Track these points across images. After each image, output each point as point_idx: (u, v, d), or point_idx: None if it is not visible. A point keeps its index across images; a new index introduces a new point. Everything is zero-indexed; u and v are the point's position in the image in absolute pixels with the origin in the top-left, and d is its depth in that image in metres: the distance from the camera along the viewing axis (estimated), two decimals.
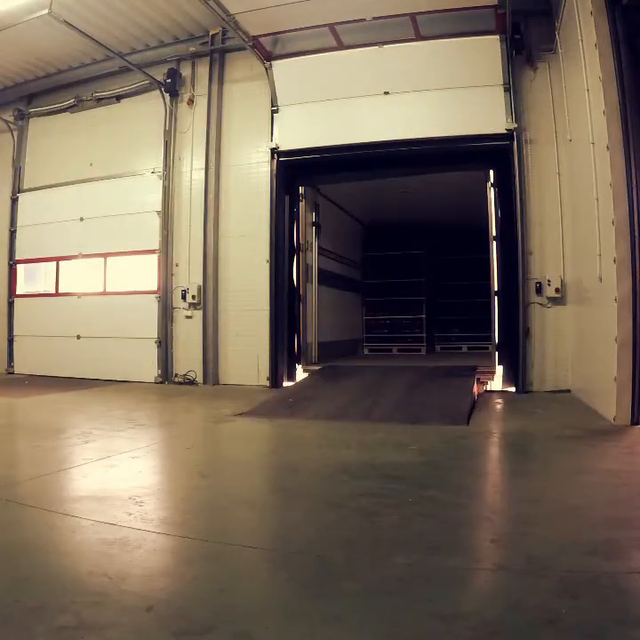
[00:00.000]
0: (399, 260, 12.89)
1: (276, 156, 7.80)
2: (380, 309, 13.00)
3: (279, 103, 7.73)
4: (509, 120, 6.87)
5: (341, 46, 7.20)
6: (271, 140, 7.81)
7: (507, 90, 6.89)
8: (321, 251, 9.68)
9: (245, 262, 7.91)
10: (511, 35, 6.66)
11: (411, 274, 12.83)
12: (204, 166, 8.11)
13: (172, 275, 8.26)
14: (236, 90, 8.17)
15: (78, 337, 8.82)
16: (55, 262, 9.26)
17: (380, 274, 12.93)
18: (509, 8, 6.23)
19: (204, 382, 7.93)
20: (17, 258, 9.61)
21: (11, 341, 9.50)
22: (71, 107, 9.14)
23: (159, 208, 8.34)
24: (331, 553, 2.19)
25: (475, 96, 6.95)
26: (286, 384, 7.77)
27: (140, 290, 8.48)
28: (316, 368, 8.20)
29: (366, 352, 12.81)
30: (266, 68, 7.58)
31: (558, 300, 6.75)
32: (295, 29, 6.99)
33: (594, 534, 2.32)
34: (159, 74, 8.35)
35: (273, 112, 7.79)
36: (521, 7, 6.57)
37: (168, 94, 8.32)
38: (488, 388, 7.10)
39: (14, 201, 9.62)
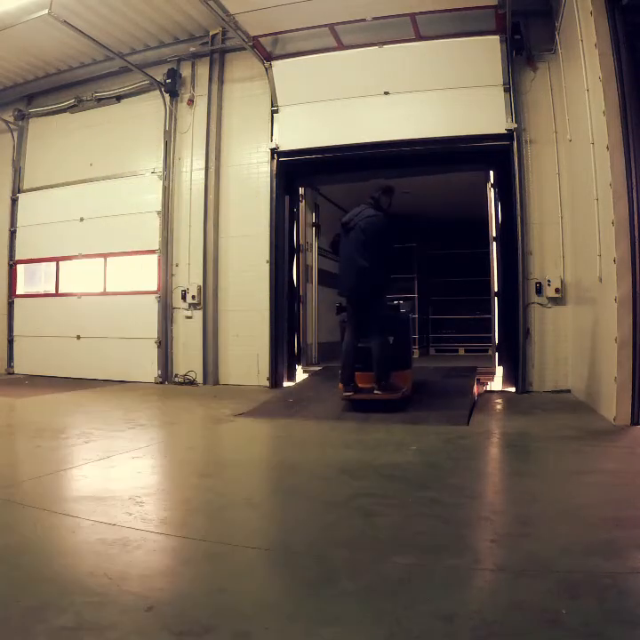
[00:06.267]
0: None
1: (276, 156, 7.80)
2: None
3: (279, 103, 7.73)
4: (509, 120, 6.87)
5: (341, 46, 7.20)
6: (271, 141, 7.81)
7: (507, 90, 6.88)
8: (321, 251, 9.68)
9: (245, 262, 7.90)
10: (511, 35, 6.66)
11: (403, 270, 12.37)
12: (204, 166, 8.11)
13: (172, 275, 8.26)
14: (236, 90, 8.17)
15: (78, 337, 8.82)
16: (55, 262, 9.26)
17: None
18: (509, 8, 6.22)
19: (204, 382, 7.93)
20: (17, 258, 9.60)
21: (11, 341, 9.49)
22: (71, 107, 9.14)
23: (159, 208, 8.34)
24: (331, 553, 2.19)
25: (475, 96, 6.95)
26: (286, 384, 7.77)
27: (139, 290, 8.48)
28: (316, 368, 8.20)
29: None
30: (266, 68, 7.58)
31: (558, 300, 6.75)
32: (295, 29, 6.99)
33: (594, 534, 2.32)
34: (159, 74, 8.35)
35: (273, 112, 7.79)
36: (521, 7, 6.57)
37: (168, 94, 8.32)
38: (488, 389, 7.10)
39: (14, 201, 9.61)
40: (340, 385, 5.41)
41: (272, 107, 7.78)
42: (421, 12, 6.51)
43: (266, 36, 7.16)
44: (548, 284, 6.75)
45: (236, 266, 7.98)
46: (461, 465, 3.61)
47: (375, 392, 5.23)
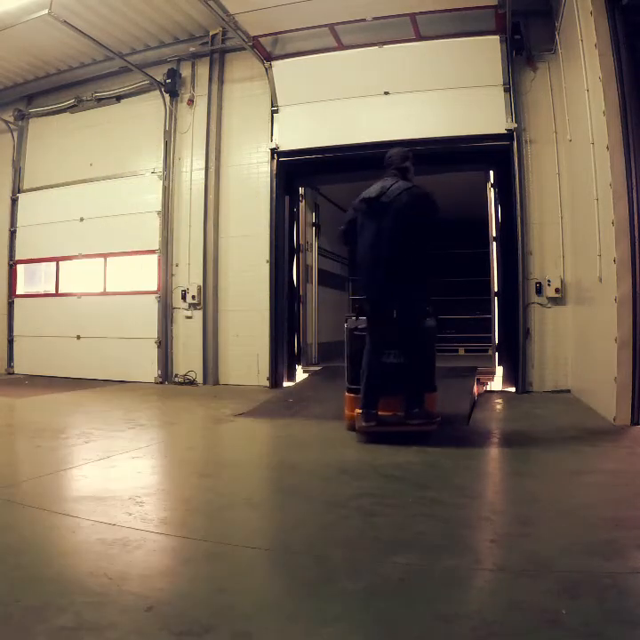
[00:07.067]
0: None
1: (276, 156, 7.80)
2: None
3: (279, 103, 7.73)
4: (509, 120, 6.87)
5: (341, 46, 7.20)
6: (271, 141, 7.81)
7: (507, 90, 6.89)
8: (321, 251, 9.68)
9: (245, 262, 7.90)
10: (511, 35, 6.66)
11: None
12: (204, 166, 8.11)
13: (172, 275, 8.26)
14: (236, 90, 8.17)
15: (78, 337, 8.82)
16: (55, 262, 9.26)
17: None
18: (509, 8, 6.22)
19: (204, 382, 7.93)
20: (17, 258, 9.60)
21: (11, 342, 9.49)
22: (71, 107, 9.14)
23: (159, 208, 8.34)
24: (331, 553, 2.19)
25: (475, 96, 6.95)
26: (286, 384, 7.77)
27: (139, 290, 8.48)
28: (316, 368, 8.20)
29: None
30: (266, 68, 7.58)
31: (558, 300, 6.75)
32: (295, 29, 6.99)
33: (594, 534, 2.32)
34: (159, 74, 8.35)
35: (273, 112, 7.79)
36: (521, 7, 6.57)
37: (168, 94, 8.33)
38: (488, 389, 7.10)
39: (14, 201, 9.61)
40: (355, 411, 4.31)
41: (272, 107, 7.78)
42: (421, 12, 6.51)
43: (266, 35, 7.16)
44: (548, 284, 6.75)
45: (236, 266, 7.98)
46: (461, 465, 3.61)
47: (408, 422, 4.16)
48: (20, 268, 9.66)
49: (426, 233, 4.17)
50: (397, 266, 4.06)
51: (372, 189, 4.25)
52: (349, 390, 4.51)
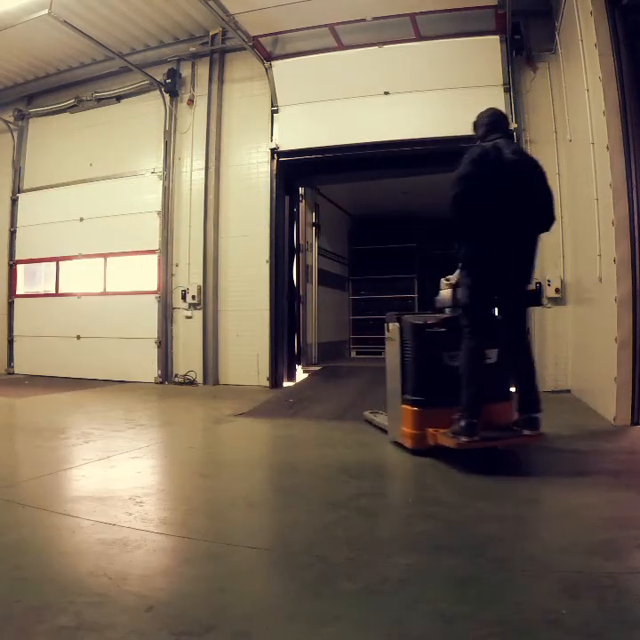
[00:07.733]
0: (388, 254, 12.07)
1: (276, 156, 7.80)
2: (368, 308, 12.19)
3: (279, 103, 7.73)
4: (509, 120, 6.86)
5: (341, 46, 7.20)
6: (271, 141, 7.81)
7: (507, 90, 6.89)
8: (321, 251, 9.69)
9: (245, 262, 7.90)
10: (511, 35, 6.66)
11: (401, 269, 12.15)
12: (204, 166, 8.11)
13: (172, 275, 8.26)
14: (236, 90, 8.18)
15: (78, 337, 8.82)
16: (55, 262, 9.26)
17: (368, 269, 12.26)
18: (509, 8, 6.22)
19: (204, 382, 7.93)
20: (17, 258, 9.60)
21: (11, 342, 9.49)
22: (71, 107, 9.14)
23: (159, 208, 8.34)
24: (331, 553, 2.19)
25: (475, 96, 6.93)
26: (286, 384, 7.78)
27: (139, 290, 8.48)
28: (316, 368, 8.21)
29: (354, 354, 12.03)
30: (266, 68, 7.58)
31: (558, 300, 6.75)
32: (295, 29, 6.99)
33: (594, 534, 2.32)
34: (159, 74, 8.35)
35: (273, 112, 7.79)
36: (521, 7, 6.57)
37: (168, 94, 8.33)
38: None
39: (14, 201, 9.61)
40: (424, 429, 3.68)
41: (272, 107, 7.78)
42: (421, 12, 6.52)
43: (266, 36, 7.16)
44: (548, 284, 6.75)
45: (236, 266, 7.97)
46: (461, 465, 3.60)
47: (526, 433, 3.55)
48: (19, 268, 9.66)
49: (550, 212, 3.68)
50: (535, 242, 3.67)
51: (505, 149, 3.63)
52: (413, 403, 3.71)
